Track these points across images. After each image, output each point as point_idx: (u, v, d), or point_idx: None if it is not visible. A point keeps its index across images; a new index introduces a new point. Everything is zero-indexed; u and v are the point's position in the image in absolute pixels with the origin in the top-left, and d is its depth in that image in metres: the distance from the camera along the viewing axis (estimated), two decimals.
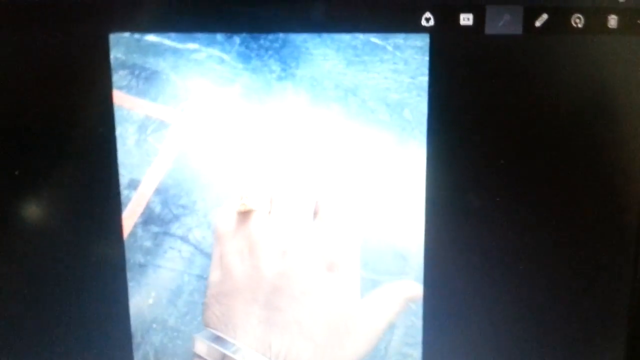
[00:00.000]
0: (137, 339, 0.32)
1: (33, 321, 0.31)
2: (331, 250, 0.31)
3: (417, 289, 0.33)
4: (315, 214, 0.32)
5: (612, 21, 0.31)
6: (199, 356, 0.31)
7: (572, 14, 0.31)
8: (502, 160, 0.31)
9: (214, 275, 0.32)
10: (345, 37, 0.30)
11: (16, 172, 0.29)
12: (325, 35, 0.30)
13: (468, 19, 0.30)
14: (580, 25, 0.31)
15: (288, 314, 0.31)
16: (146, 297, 0.31)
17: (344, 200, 0.31)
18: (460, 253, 0.32)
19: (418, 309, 0.33)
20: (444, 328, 0.33)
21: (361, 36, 0.30)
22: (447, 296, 0.33)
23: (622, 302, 0.33)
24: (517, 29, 0.31)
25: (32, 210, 0.30)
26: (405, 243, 0.32)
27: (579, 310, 0.33)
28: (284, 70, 0.30)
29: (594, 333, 0.33)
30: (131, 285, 0.31)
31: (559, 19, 0.31)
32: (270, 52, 0.30)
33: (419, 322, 0.33)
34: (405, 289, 0.33)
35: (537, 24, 0.31)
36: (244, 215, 0.31)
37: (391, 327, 0.33)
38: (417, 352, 0.33)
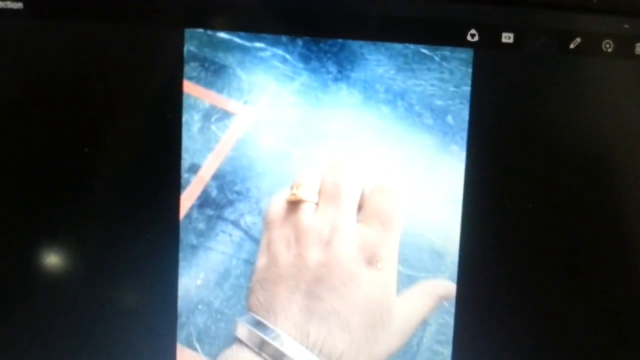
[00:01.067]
0: (182, 319, 0.32)
1: (83, 293, 0.31)
2: (372, 245, 0.32)
3: (451, 288, 0.34)
4: (359, 208, 0.33)
5: (639, 48, 0.33)
6: (240, 340, 0.32)
7: (603, 39, 0.33)
8: (535, 167, 0.33)
9: (261, 261, 0.32)
10: (397, 46, 0.32)
11: (86, 149, 0.31)
12: (379, 44, 0.32)
13: (509, 37, 0.33)
14: (610, 50, 0.33)
15: (327, 304, 0.32)
16: (195, 278, 0.32)
17: (388, 196, 0.32)
18: (494, 255, 0.33)
19: (451, 307, 0.33)
20: (475, 327, 0.34)
21: (412, 46, 0.32)
22: (480, 296, 0.34)
23: None
24: (553, 50, 0.33)
25: (97, 185, 0.31)
26: (442, 242, 0.33)
27: (614, 311, 0.34)
28: (339, 72, 0.32)
29: (629, 333, 0.34)
30: (182, 265, 0.32)
31: (591, 42, 0.33)
32: (328, 55, 0.32)
33: (451, 321, 0.33)
34: (439, 288, 0.34)
35: (572, 46, 0.33)
36: (294, 205, 0.32)
37: (424, 324, 0.34)
38: (447, 350, 0.34)
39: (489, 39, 0.32)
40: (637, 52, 0.33)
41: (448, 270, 0.33)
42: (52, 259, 0.31)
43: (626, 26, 0.33)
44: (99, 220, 0.31)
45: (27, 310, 0.31)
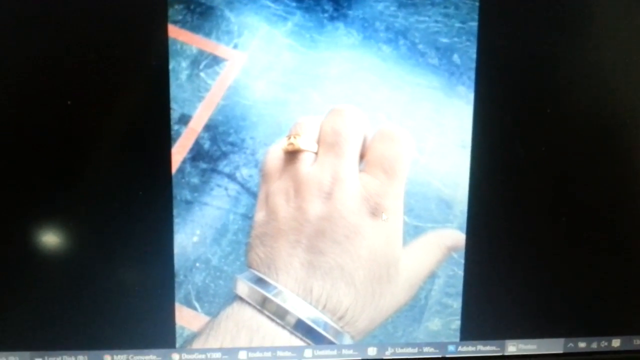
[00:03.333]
0: (179, 277, 0.32)
1: (75, 252, 0.31)
2: (376, 195, 0.31)
3: (460, 239, 0.33)
4: (361, 156, 0.32)
5: None
6: (240, 297, 0.31)
7: None
8: (549, 108, 0.31)
9: (259, 215, 0.32)
10: None
11: (69, 102, 0.29)
12: None
13: None
14: None
15: (330, 258, 0.31)
16: (191, 235, 0.31)
17: (391, 143, 0.31)
18: (505, 204, 0.32)
19: (460, 258, 0.33)
20: (486, 279, 0.33)
21: None
22: (490, 247, 0.33)
23: None
24: None
25: (81, 140, 0.29)
26: (450, 190, 0.32)
27: (625, 262, 0.33)
28: (336, 10, 0.30)
29: (635, 283, 0.33)
30: (177, 222, 0.31)
31: None
32: None
33: (460, 272, 0.33)
34: (448, 238, 0.33)
35: None
36: (292, 155, 0.31)
37: (432, 276, 0.33)
38: (457, 303, 0.33)
39: None
40: None
41: (456, 219, 0.32)
42: (44, 224, 0.30)
43: None
44: (87, 179, 0.30)
45: (26, 277, 0.31)
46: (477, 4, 0.30)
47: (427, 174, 0.32)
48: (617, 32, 0.31)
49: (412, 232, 0.32)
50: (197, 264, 0.32)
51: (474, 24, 0.31)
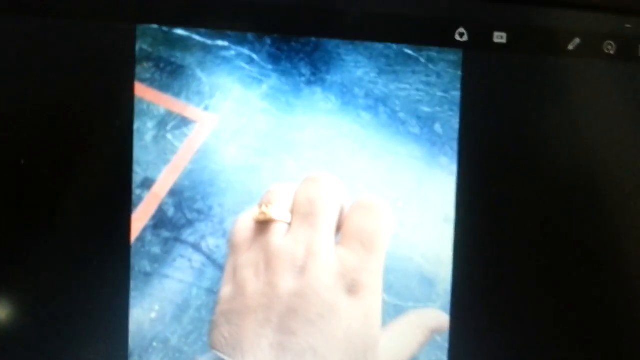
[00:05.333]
0: (134, 358, 0.29)
1: (17, 326, 0.29)
2: (352, 271, 0.29)
3: (443, 320, 0.31)
4: (338, 228, 0.30)
5: None
6: None
7: (604, 40, 0.31)
8: (535, 180, 0.31)
9: (226, 290, 0.29)
10: (379, 46, 0.30)
11: (22, 161, 0.27)
12: (358, 43, 0.30)
13: (502, 37, 0.31)
14: (612, 52, 0.31)
15: (302, 340, 0.29)
16: (149, 311, 0.29)
17: (370, 215, 0.30)
18: (492, 282, 0.31)
19: (444, 342, 0.31)
20: None
21: (394, 46, 0.30)
22: (476, 330, 0.31)
23: None
24: (550, 52, 0.31)
25: (32, 202, 0.28)
26: (433, 267, 0.31)
27: (619, 338, 0.32)
28: (313, 74, 0.30)
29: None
30: (133, 295, 0.29)
31: (591, 43, 0.31)
32: (301, 55, 0.30)
33: (444, 358, 0.31)
34: (430, 319, 0.31)
35: (570, 47, 0.31)
36: (263, 225, 0.29)
37: None
38: None
39: (480, 38, 0.30)
40: None
41: (440, 299, 0.31)
42: None
43: (628, 26, 0.31)
44: (38, 244, 0.28)
45: None
46: (459, 73, 0.30)
47: (408, 248, 0.31)
48: (604, 100, 0.31)
49: (391, 312, 0.31)
50: (154, 344, 0.30)
51: (456, 94, 0.30)
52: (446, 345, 0.31)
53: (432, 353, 0.31)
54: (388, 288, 0.30)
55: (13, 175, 0.28)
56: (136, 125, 0.29)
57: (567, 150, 0.31)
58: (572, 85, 0.31)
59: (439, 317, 0.31)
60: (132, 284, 0.29)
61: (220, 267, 0.30)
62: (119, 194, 0.29)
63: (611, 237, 0.32)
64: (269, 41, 0.30)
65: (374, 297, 0.30)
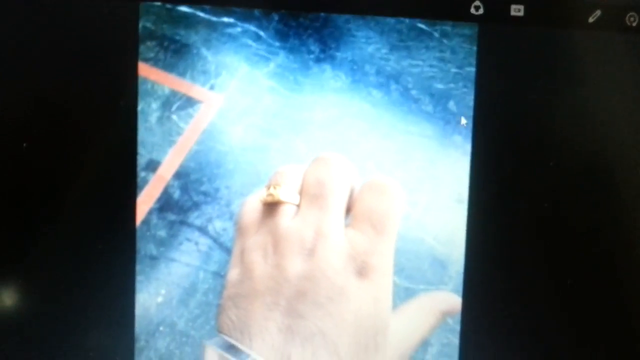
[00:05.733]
0: (140, 342, 0.29)
1: (23, 311, 0.29)
2: (363, 253, 0.29)
3: (455, 302, 0.31)
4: (348, 210, 0.30)
5: None
6: None
7: (626, 12, 0.30)
8: (551, 159, 0.30)
9: (233, 273, 0.29)
10: (390, 21, 0.29)
11: (24, 144, 0.27)
12: (369, 18, 0.29)
13: (519, 10, 0.30)
14: (634, 24, 0.30)
15: (311, 323, 0.29)
16: (155, 295, 0.29)
17: (381, 196, 0.29)
18: (505, 264, 0.31)
19: (455, 324, 0.31)
20: (483, 348, 0.31)
21: (407, 21, 0.29)
22: (488, 312, 0.31)
23: None
24: (569, 24, 0.30)
25: (36, 187, 0.28)
26: (445, 249, 0.30)
27: (630, 333, 0.31)
28: (323, 51, 0.29)
29: None
30: (139, 279, 0.29)
31: (613, 16, 0.30)
32: (309, 32, 0.29)
33: (455, 340, 0.31)
34: (442, 301, 0.31)
35: (590, 20, 0.30)
36: (271, 207, 0.29)
37: (424, 344, 0.31)
38: None
39: (496, 11, 0.30)
40: None
41: (452, 281, 0.31)
42: None
43: None
44: (43, 228, 0.28)
45: None
46: (474, 48, 0.29)
47: (419, 230, 0.30)
48: (625, 76, 0.30)
49: (402, 295, 0.30)
50: (161, 328, 0.29)
51: (471, 70, 0.30)
52: (458, 327, 0.31)
53: (443, 335, 0.31)
54: (399, 270, 0.30)
55: (16, 159, 0.28)
56: (140, 106, 0.28)
57: (585, 128, 0.30)
58: (592, 60, 0.30)
59: (450, 300, 0.31)
60: (138, 267, 0.29)
61: (228, 250, 0.29)
62: (124, 176, 0.28)
63: (627, 218, 0.31)
64: (276, 17, 0.29)
65: (384, 280, 0.29)
